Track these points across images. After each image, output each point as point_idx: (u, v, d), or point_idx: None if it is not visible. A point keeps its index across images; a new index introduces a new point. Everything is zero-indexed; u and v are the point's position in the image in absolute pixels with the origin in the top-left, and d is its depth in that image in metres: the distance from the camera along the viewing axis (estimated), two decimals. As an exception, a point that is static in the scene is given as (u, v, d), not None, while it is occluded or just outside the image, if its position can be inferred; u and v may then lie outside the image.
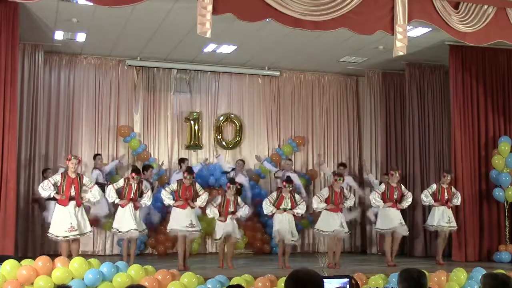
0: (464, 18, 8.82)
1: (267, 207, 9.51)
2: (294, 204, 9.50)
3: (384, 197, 10.05)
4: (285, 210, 9.43)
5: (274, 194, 9.70)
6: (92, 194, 8.78)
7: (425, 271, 4.03)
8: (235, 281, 6.75)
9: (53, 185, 8.60)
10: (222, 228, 9.26)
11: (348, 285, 4.13)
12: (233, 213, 9.33)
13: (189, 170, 9.55)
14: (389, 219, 10.00)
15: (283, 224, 9.37)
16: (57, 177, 8.72)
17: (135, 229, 8.97)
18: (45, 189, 8.62)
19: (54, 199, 8.83)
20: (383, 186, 10.25)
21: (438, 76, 12.35)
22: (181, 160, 11.51)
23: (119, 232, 9.12)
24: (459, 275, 7.57)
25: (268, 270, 8.06)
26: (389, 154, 12.68)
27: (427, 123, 12.06)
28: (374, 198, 10.11)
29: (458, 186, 10.60)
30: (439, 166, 11.80)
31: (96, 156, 11.28)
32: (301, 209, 9.57)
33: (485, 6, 8.93)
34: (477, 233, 10.83)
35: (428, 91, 12.20)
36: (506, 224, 10.86)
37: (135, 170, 9.38)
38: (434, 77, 12.33)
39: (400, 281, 3.85)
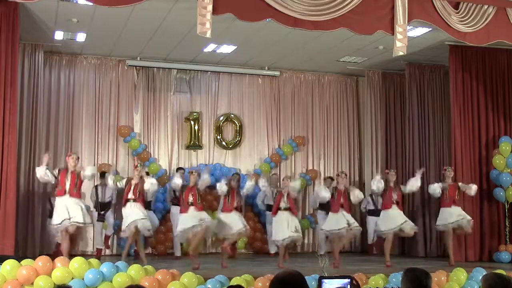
0: (464, 18, 8.82)
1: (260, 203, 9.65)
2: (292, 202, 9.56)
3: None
4: (285, 209, 9.43)
5: (274, 192, 9.81)
6: (89, 169, 8.97)
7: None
8: (235, 281, 6.75)
9: (52, 174, 8.77)
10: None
11: (349, 286, 4.12)
12: (237, 208, 9.41)
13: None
14: (391, 220, 9.90)
15: (282, 225, 9.36)
16: (56, 171, 8.91)
17: (141, 218, 9.01)
18: (43, 173, 8.77)
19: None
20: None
21: (438, 76, 12.34)
22: (179, 169, 11.45)
23: (127, 225, 9.09)
24: (459, 275, 7.56)
25: (268, 270, 8.04)
26: (389, 154, 12.69)
27: (427, 123, 12.05)
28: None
29: (458, 186, 10.60)
30: (439, 166, 11.78)
31: (102, 174, 10.85)
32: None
33: (485, 6, 8.94)
34: (478, 233, 10.82)
35: (428, 91, 12.20)
36: (506, 224, 10.85)
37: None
38: (434, 77, 12.32)
39: (404, 280, 3.84)
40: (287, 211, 9.43)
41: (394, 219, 9.89)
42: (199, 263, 8.83)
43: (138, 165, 9.57)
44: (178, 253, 10.85)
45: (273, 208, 9.68)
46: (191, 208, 9.18)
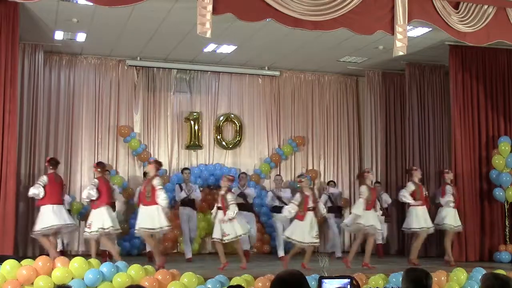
0: (464, 18, 8.82)
1: (290, 211, 9.10)
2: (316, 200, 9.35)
3: (414, 196, 10.03)
4: (310, 209, 9.04)
5: (298, 196, 9.13)
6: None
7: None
8: (235, 281, 6.75)
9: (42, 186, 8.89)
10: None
11: (349, 286, 4.12)
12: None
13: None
14: (419, 219, 9.96)
15: (304, 228, 8.99)
16: (45, 178, 9.02)
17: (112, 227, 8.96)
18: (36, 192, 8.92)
19: None
20: (412, 185, 10.13)
21: (438, 76, 12.34)
22: (184, 170, 11.22)
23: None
24: (459, 275, 7.56)
25: (268, 270, 8.05)
26: (389, 154, 12.69)
27: (427, 123, 12.05)
28: (404, 195, 10.05)
29: (459, 185, 10.61)
30: (439, 166, 11.79)
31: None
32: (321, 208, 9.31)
33: (485, 6, 8.93)
34: (478, 233, 10.83)
35: (428, 91, 12.20)
36: (506, 224, 10.86)
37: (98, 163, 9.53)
38: (434, 77, 12.32)
39: (405, 280, 3.84)
40: (312, 212, 9.07)
41: (422, 219, 9.98)
42: (162, 262, 8.58)
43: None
44: (189, 254, 10.54)
45: (302, 210, 9.01)
46: (141, 203, 8.87)
